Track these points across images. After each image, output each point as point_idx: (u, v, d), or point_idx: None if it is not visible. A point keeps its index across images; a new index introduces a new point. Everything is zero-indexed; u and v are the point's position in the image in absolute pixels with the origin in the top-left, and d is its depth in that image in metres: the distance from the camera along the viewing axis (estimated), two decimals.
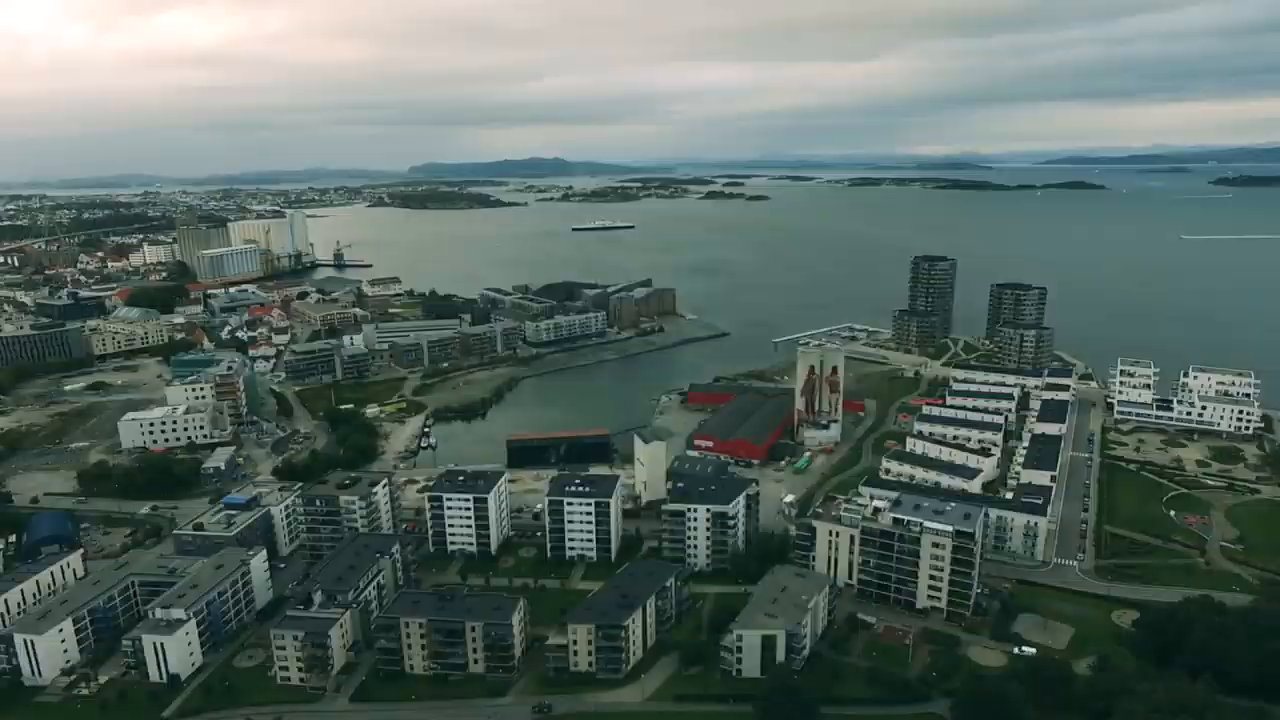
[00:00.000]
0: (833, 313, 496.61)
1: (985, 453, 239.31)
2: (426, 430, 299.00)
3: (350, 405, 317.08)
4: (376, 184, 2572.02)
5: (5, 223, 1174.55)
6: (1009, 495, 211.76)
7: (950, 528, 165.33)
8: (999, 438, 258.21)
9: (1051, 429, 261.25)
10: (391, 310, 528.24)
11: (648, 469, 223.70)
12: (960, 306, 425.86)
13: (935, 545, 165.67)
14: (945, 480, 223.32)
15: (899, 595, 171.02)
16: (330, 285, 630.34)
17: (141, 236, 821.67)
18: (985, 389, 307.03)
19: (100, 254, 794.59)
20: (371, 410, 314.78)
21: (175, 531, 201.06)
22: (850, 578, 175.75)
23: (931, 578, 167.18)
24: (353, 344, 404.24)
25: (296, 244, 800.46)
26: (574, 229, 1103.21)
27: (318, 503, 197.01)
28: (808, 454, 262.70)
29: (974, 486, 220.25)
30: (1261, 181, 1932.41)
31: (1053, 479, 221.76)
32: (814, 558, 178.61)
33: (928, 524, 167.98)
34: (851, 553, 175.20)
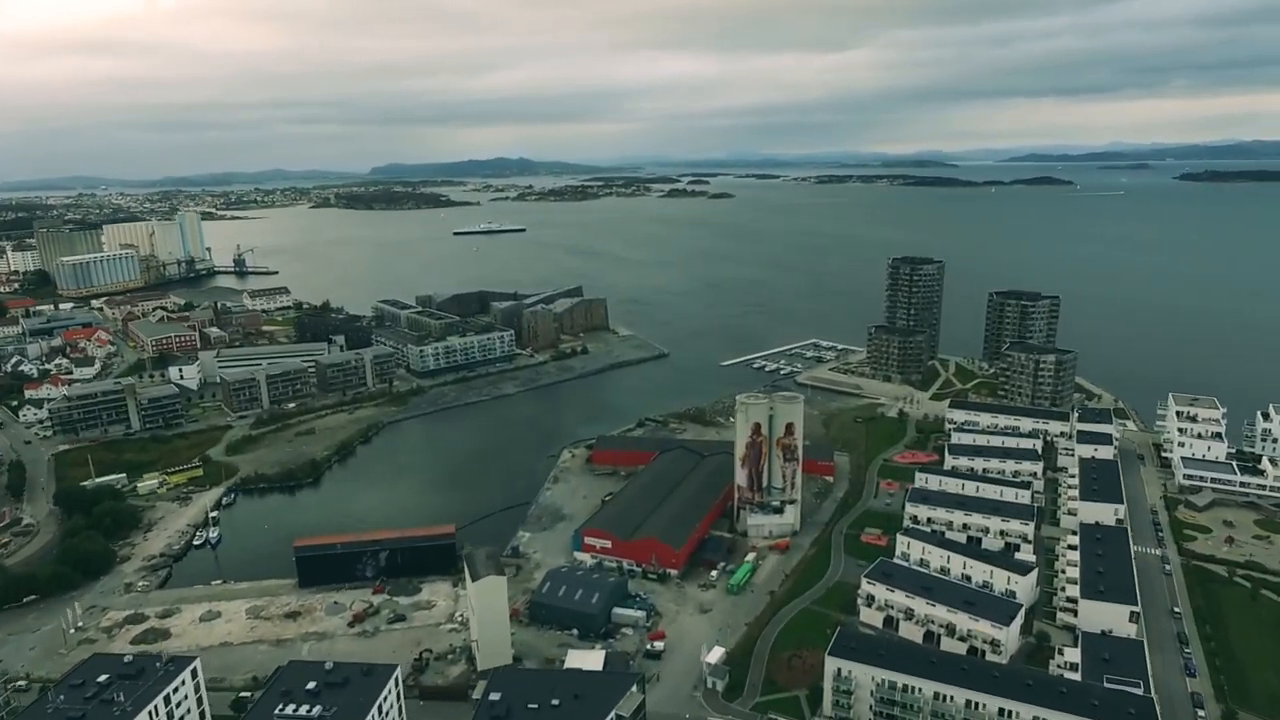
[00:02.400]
0: (796, 325, 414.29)
1: (1022, 570, 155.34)
2: (214, 516, 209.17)
3: (119, 476, 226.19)
4: (333, 186, 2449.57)
5: None
6: (1063, 658, 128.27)
7: None
8: (1030, 528, 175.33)
9: (1103, 512, 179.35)
10: (267, 328, 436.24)
11: (479, 615, 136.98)
12: (947, 319, 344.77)
13: None
14: (962, 622, 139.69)
15: None
16: (214, 295, 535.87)
17: (15, 243, 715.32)
18: (996, 440, 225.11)
19: None
20: (148, 483, 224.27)
21: None
22: None
23: None
24: (182, 377, 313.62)
25: (190, 248, 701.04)
26: (455, 233, 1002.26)
27: None
28: (751, 555, 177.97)
29: (1007, 636, 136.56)
30: (1226, 176, 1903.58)
31: (1134, 617, 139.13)
32: None
33: None
34: None
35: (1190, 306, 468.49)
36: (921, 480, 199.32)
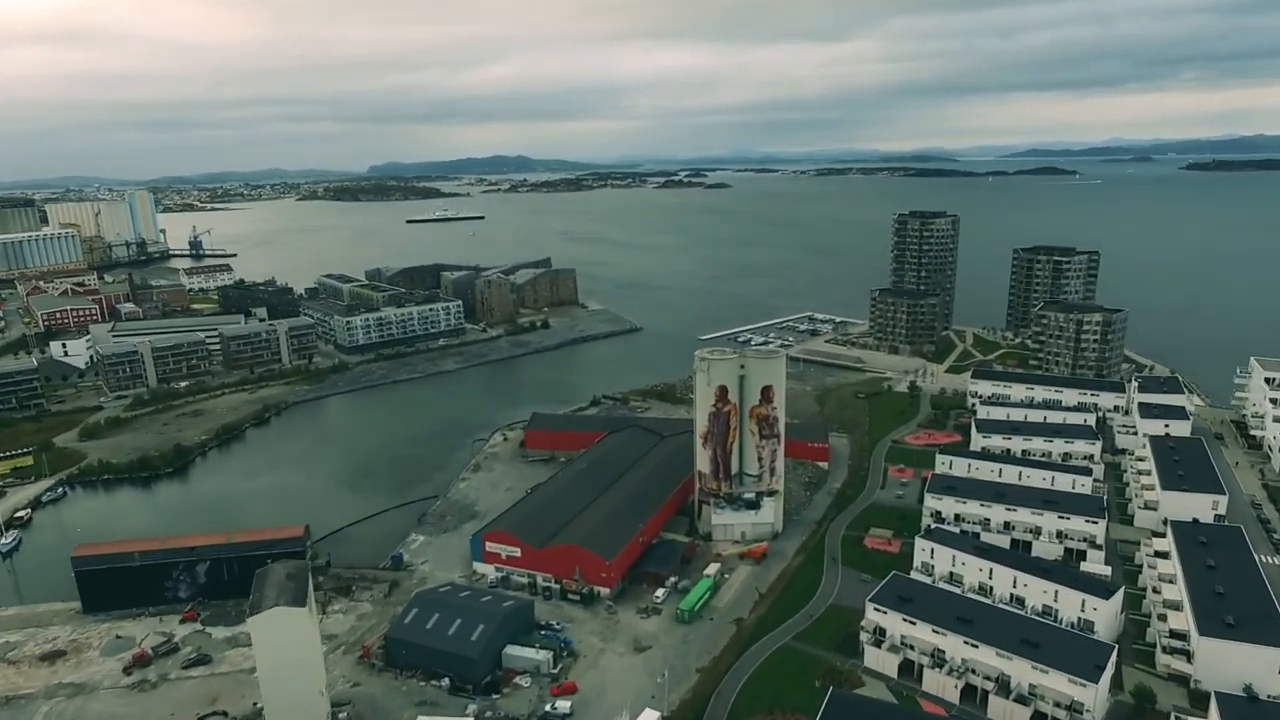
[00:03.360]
0: (791, 297, 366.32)
1: (1103, 590, 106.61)
2: (21, 516, 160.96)
3: None
4: (326, 182, 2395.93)
5: None
6: None
7: None
8: (1100, 528, 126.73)
9: (1196, 505, 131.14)
10: (198, 306, 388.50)
11: (262, 666, 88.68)
12: (959, 290, 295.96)
13: None
14: (1022, 673, 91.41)
15: None
16: (158, 276, 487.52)
17: None
18: (1035, 416, 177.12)
19: None
20: None
21: None
22: None
23: None
24: (66, 353, 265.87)
25: (141, 230, 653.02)
26: (408, 220, 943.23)
27: None
28: (714, 566, 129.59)
29: (1094, 697, 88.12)
30: (1234, 166, 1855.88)
31: None
32: None
33: None
34: None
35: (1232, 277, 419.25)
36: (943, 464, 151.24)
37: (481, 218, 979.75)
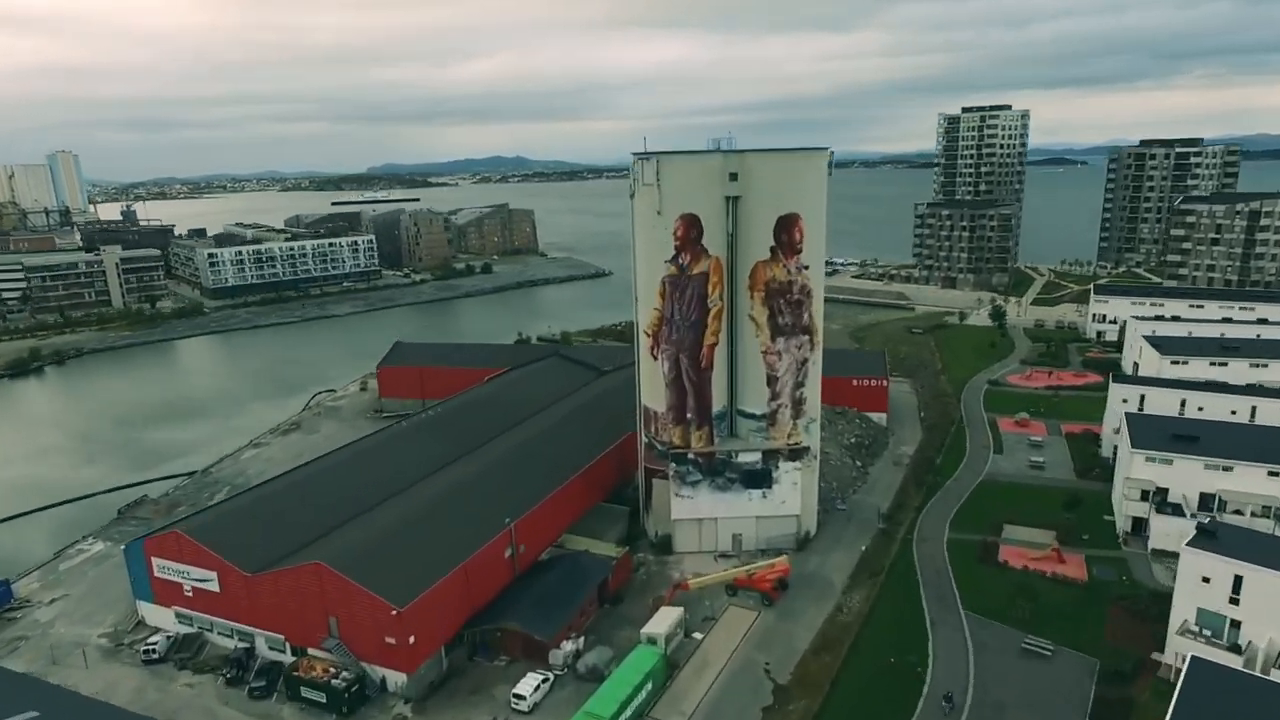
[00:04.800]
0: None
1: None
2: None
3: None
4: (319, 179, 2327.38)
5: None
6: None
7: None
8: None
9: None
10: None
11: None
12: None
13: None
14: None
15: None
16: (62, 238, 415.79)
17: None
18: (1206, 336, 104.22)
19: None
20: None
21: None
22: None
23: None
24: None
25: (65, 198, 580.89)
26: (332, 204, 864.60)
27: None
28: (664, 616, 56.35)
29: None
30: (1250, 155, 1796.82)
31: None
32: None
33: None
34: None
35: None
36: (1118, 397, 78.66)
37: (417, 200, 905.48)
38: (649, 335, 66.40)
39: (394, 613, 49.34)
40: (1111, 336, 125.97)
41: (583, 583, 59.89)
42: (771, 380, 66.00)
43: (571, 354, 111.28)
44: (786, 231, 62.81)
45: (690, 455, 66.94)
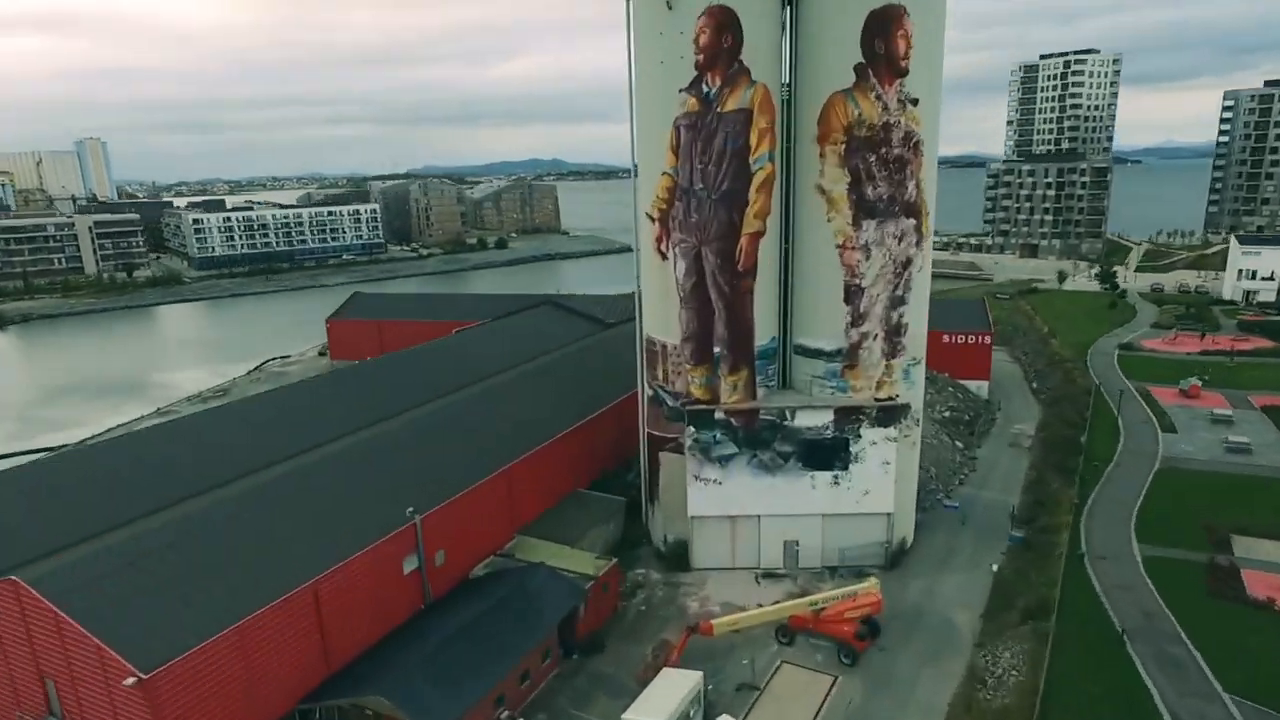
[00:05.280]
0: None
1: None
2: None
3: None
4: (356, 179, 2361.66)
5: None
6: None
7: None
8: None
9: None
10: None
11: None
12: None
13: None
14: None
15: None
16: None
17: None
18: None
19: None
20: None
21: None
22: None
23: None
24: None
25: (93, 186, 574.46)
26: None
27: None
28: (672, 682, 31.93)
29: None
30: None
31: None
32: None
33: None
34: None
35: None
36: None
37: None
38: (653, 219, 41.96)
39: (131, 680, 25.52)
40: (1266, 296, 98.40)
41: (534, 619, 35.53)
42: (853, 293, 41.07)
43: (569, 304, 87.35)
44: (884, 37, 37.79)
45: (719, 414, 42.31)
